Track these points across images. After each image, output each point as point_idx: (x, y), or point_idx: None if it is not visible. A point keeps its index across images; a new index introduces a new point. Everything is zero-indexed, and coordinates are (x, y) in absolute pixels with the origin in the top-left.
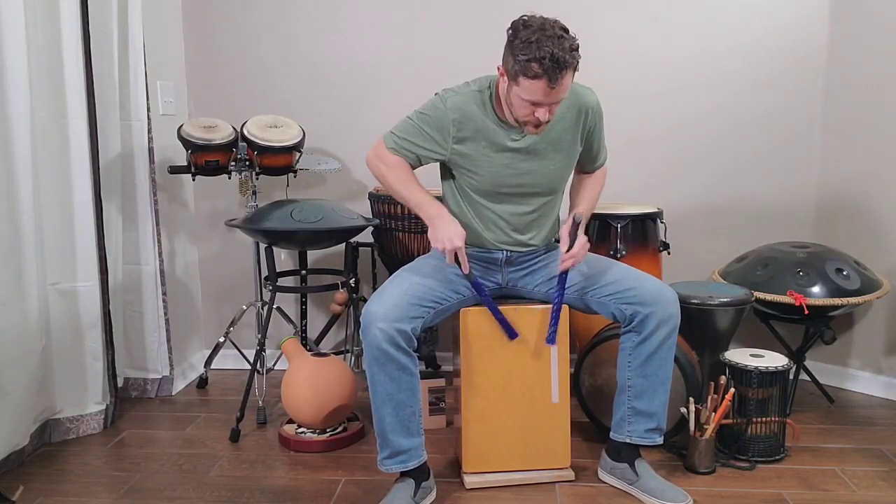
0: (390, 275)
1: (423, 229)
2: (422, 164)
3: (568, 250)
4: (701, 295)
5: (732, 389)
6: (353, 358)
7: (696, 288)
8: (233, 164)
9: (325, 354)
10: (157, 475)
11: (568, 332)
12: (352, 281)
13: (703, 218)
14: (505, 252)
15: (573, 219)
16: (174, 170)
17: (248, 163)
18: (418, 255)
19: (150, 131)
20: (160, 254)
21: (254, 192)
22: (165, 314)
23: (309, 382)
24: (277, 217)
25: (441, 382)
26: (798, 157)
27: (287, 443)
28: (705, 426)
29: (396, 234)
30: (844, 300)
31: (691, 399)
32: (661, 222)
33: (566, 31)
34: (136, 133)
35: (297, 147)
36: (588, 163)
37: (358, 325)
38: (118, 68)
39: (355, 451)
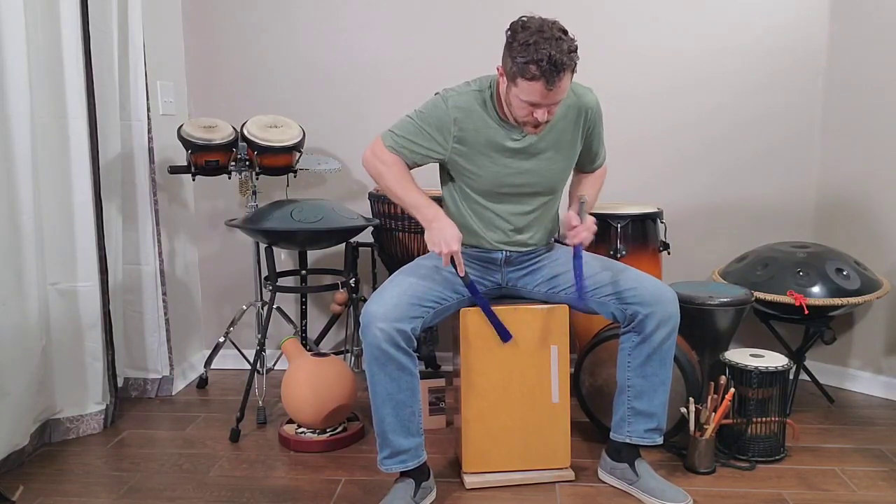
0: (390, 275)
1: (422, 229)
2: (418, 166)
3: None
4: (701, 295)
5: (732, 389)
6: (353, 358)
7: (696, 288)
8: (233, 164)
9: (325, 354)
10: (157, 475)
11: (568, 332)
12: (352, 281)
13: (703, 218)
14: (504, 252)
15: (579, 200)
16: (174, 170)
17: (248, 163)
18: (418, 255)
19: (150, 131)
20: (160, 254)
21: (254, 192)
22: (165, 314)
23: (309, 382)
24: (277, 217)
25: (441, 382)
26: (798, 157)
27: (287, 443)
28: (705, 426)
29: (396, 234)
30: (844, 300)
31: (691, 399)
32: (661, 222)
33: (565, 32)
34: (136, 133)
35: (297, 147)
36: (587, 162)
37: (358, 325)
38: (118, 68)
39: (355, 451)
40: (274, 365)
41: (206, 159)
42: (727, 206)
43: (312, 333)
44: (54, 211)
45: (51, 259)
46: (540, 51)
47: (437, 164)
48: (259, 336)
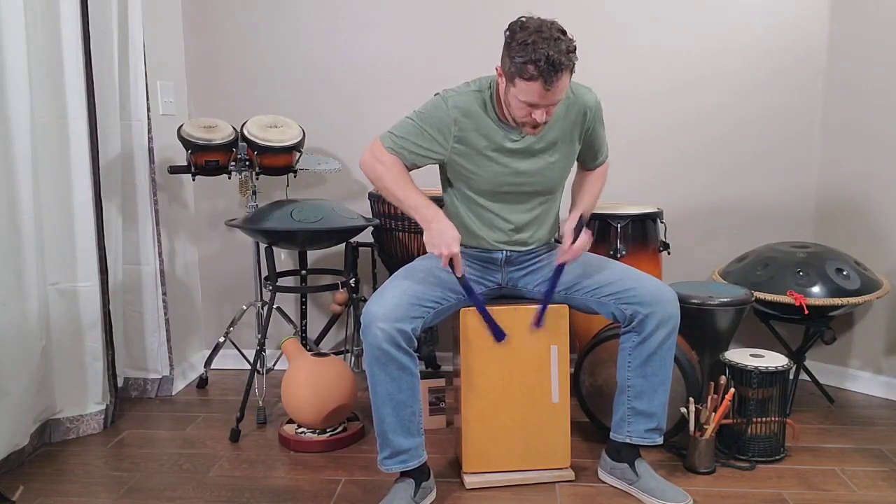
0: (390, 275)
1: (422, 230)
2: (417, 167)
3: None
4: (701, 295)
5: (732, 389)
6: (353, 358)
7: (696, 288)
8: (233, 164)
9: (325, 354)
10: (157, 475)
11: (568, 332)
12: (352, 281)
13: (703, 218)
14: (504, 252)
15: (580, 218)
16: (174, 170)
17: (248, 163)
18: (418, 255)
19: (150, 131)
20: (160, 254)
21: (254, 192)
22: (165, 314)
23: (309, 382)
24: (277, 217)
25: (441, 382)
26: (798, 157)
27: (287, 443)
28: (705, 426)
29: (396, 234)
30: (844, 300)
31: (691, 399)
32: (661, 222)
33: (563, 32)
34: (136, 133)
35: (297, 147)
36: (590, 160)
37: (358, 325)
38: (118, 68)
39: (355, 451)
40: (274, 365)
41: (206, 159)
42: (727, 206)
43: (312, 333)
44: (54, 211)
45: (51, 259)
46: (538, 51)
47: (437, 165)
48: (259, 336)
